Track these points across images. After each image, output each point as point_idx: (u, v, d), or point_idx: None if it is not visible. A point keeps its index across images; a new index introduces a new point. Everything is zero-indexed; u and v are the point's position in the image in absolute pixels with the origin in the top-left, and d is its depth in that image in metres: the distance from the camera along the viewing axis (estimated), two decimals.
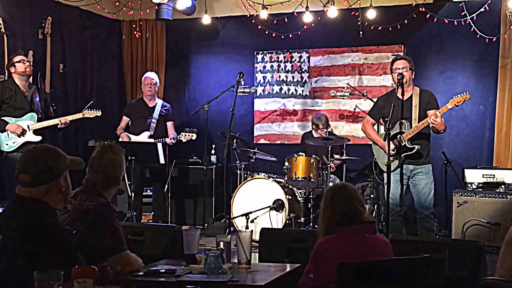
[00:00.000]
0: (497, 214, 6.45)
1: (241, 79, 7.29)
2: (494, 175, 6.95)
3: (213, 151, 8.47)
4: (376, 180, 6.86)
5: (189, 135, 7.36)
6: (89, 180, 3.49)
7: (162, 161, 7.13)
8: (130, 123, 7.74)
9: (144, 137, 7.50)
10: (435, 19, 7.61)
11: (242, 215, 6.82)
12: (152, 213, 7.79)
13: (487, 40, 7.38)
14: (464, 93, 5.64)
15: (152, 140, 7.37)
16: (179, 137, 7.39)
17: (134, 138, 7.52)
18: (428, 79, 7.82)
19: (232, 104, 7.08)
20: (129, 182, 7.30)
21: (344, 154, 7.43)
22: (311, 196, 7.10)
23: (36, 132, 6.50)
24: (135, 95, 8.97)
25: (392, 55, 7.85)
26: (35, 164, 2.85)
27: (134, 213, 7.18)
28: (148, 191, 7.94)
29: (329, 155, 7.00)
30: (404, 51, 8.00)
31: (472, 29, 7.38)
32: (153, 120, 7.59)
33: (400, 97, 5.68)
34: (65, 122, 6.62)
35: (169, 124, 7.75)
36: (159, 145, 7.11)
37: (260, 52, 8.79)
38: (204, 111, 7.60)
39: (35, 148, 2.98)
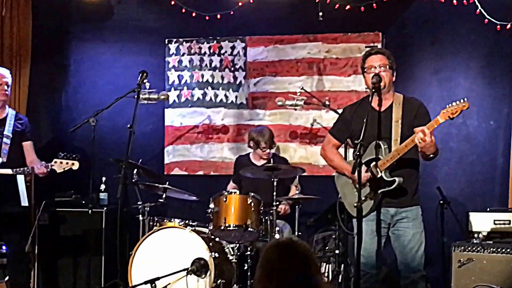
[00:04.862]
0: None
1: (144, 80, 7.13)
2: (510, 221, 7.09)
3: (102, 187, 8.62)
4: (343, 229, 6.92)
5: (67, 163, 7.19)
6: None
7: (24, 202, 7.12)
8: None
9: None
10: None
11: (145, 283, 6.67)
12: (7, 279, 7.62)
13: (498, 27, 7.58)
14: (462, 101, 5.49)
15: (9, 171, 7.15)
16: (52, 166, 7.18)
17: None
18: (418, 82, 8.07)
19: (132, 117, 6.82)
20: None
21: (297, 191, 7.56)
22: (249, 252, 7.13)
23: None
24: None
25: (365, 47, 8.05)
26: None
27: None
28: (3, 248, 7.75)
29: (274, 193, 7.01)
30: (382, 42, 8.21)
31: (478, 11, 7.57)
32: (4, 141, 7.35)
33: (376, 107, 5.77)
34: None
35: (27, 145, 7.56)
36: (20, 178, 7.07)
37: (174, 39, 8.96)
38: (89, 127, 7.42)
39: None
